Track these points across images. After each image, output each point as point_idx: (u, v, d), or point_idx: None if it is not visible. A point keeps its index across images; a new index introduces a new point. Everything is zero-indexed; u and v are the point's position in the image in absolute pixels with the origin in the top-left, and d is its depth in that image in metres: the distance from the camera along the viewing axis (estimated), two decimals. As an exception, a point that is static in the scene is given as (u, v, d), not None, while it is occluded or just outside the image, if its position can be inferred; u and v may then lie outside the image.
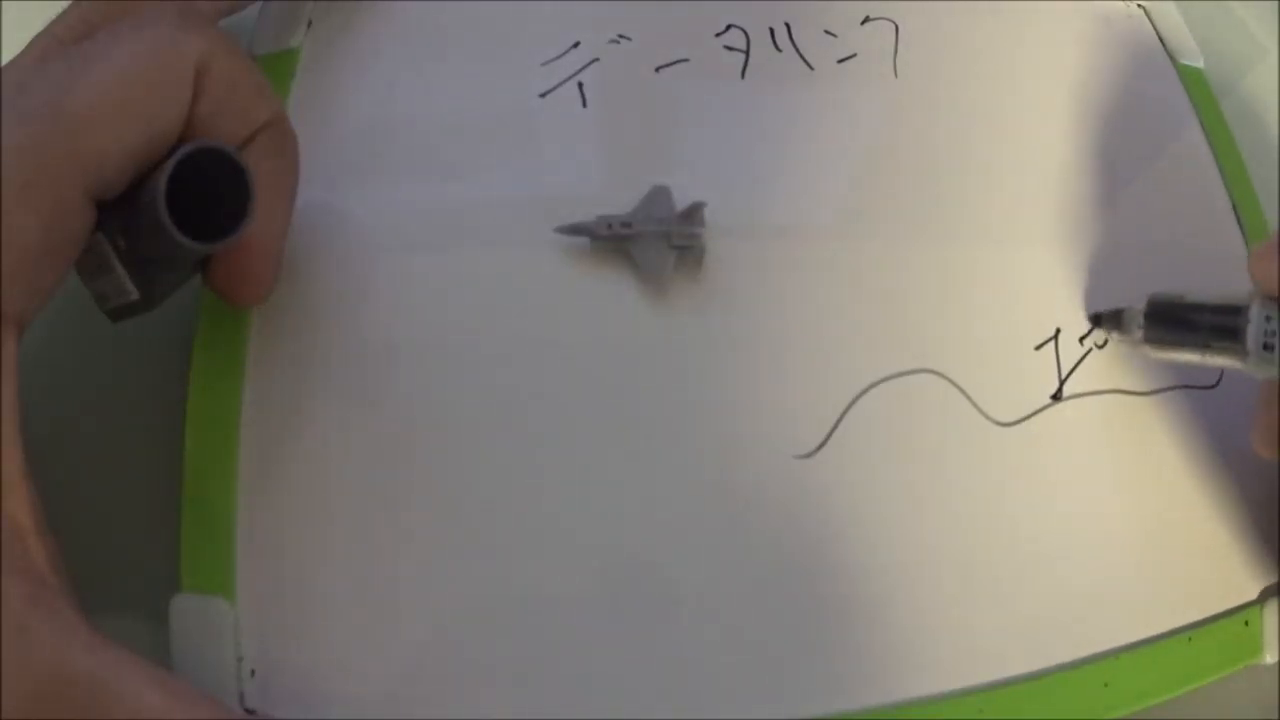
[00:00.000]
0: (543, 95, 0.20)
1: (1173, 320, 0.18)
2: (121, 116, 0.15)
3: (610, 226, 0.19)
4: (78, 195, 0.15)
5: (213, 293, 0.18)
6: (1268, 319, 0.16)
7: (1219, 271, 0.22)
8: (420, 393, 0.18)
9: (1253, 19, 0.28)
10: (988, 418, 0.19)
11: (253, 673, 0.17)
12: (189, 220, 0.15)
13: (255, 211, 0.16)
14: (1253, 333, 0.16)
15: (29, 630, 0.14)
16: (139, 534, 0.19)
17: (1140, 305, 0.18)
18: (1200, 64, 0.24)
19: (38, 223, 0.14)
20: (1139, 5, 0.25)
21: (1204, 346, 0.17)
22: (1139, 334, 0.18)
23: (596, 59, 0.21)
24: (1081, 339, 0.20)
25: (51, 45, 0.17)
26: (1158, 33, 0.24)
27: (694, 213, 0.19)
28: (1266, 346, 0.16)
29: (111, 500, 0.20)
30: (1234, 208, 0.23)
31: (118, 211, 0.16)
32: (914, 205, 0.20)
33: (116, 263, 0.16)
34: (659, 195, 0.19)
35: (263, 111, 0.17)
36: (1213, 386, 0.21)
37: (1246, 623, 0.20)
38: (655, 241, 0.19)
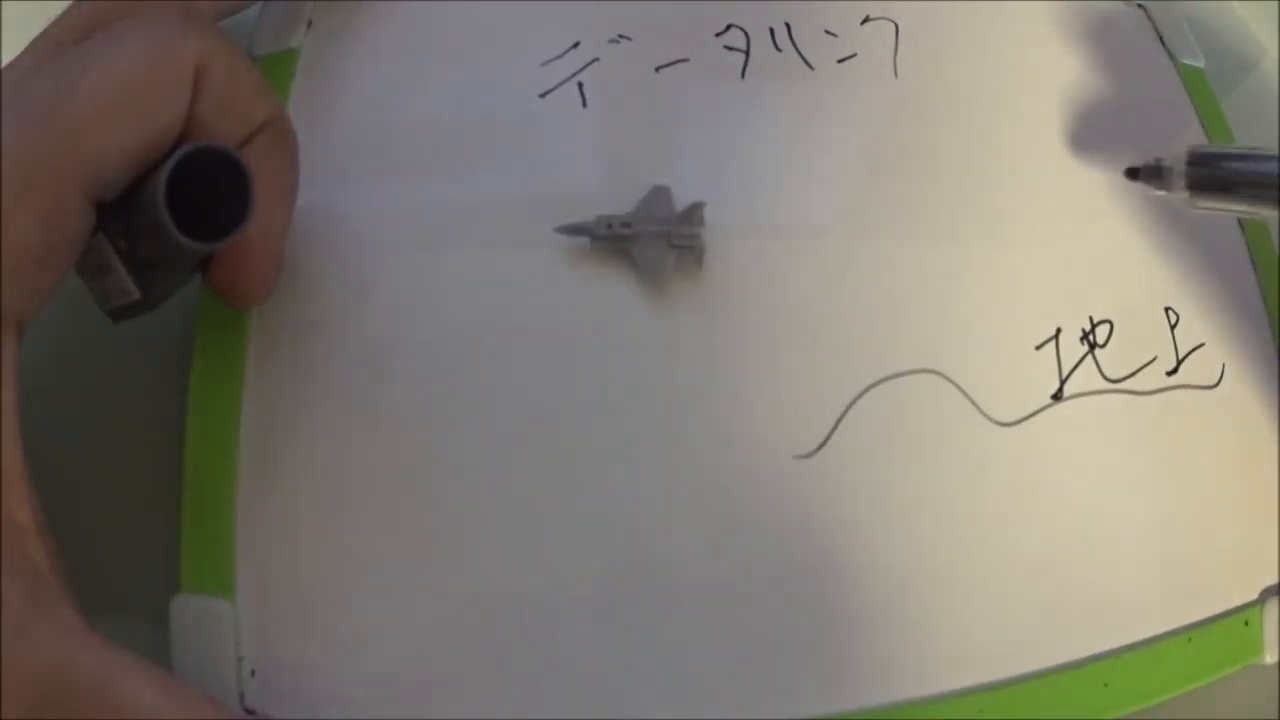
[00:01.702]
0: (543, 95, 0.20)
1: (1217, 170, 0.17)
2: (121, 117, 0.15)
3: (610, 226, 0.19)
4: (77, 196, 0.15)
5: (213, 294, 0.18)
6: None
7: (1219, 269, 0.22)
8: (420, 392, 0.18)
9: (1253, 19, 0.28)
10: (988, 418, 0.19)
11: (253, 673, 0.17)
12: (189, 220, 0.15)
13: (255, 211, 0.16)
14: None
15: (29, 630, 0.14)
16: (139, 534, 0.19)
17: (1181, 156, 0.18)
18: (1201, 63, 0.24)
19: (38, 223, 0.15)
20: (1139, 4, 0.25)
21: (1253, 197, 0.17)
22: (1181, 185, 0.18)
23: (596, 59, 0.20)
24: (1081, 339, 0.20)
25: (51, 47, 0.17)
26: (1158, 32, 0.24)
27: (694, 213, 0.19)
28: None
29: (111, 500, 0.20)
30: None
31: (118, 212, 0.16)
32: (914, 205, 0.20)
33: (117, 263, 0.16)
34: (659, 195, 0.19)
35: (262, 111, 0.17)
36: (1213, 386, 0.21)
37: (1246, 623, 0.20)
38: (655, 241, 0.19)
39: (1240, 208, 0.18)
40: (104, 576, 0.18)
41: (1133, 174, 0.19)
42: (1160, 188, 0.19)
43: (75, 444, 0.20)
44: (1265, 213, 0.17)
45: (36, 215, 0.14)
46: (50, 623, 0.14)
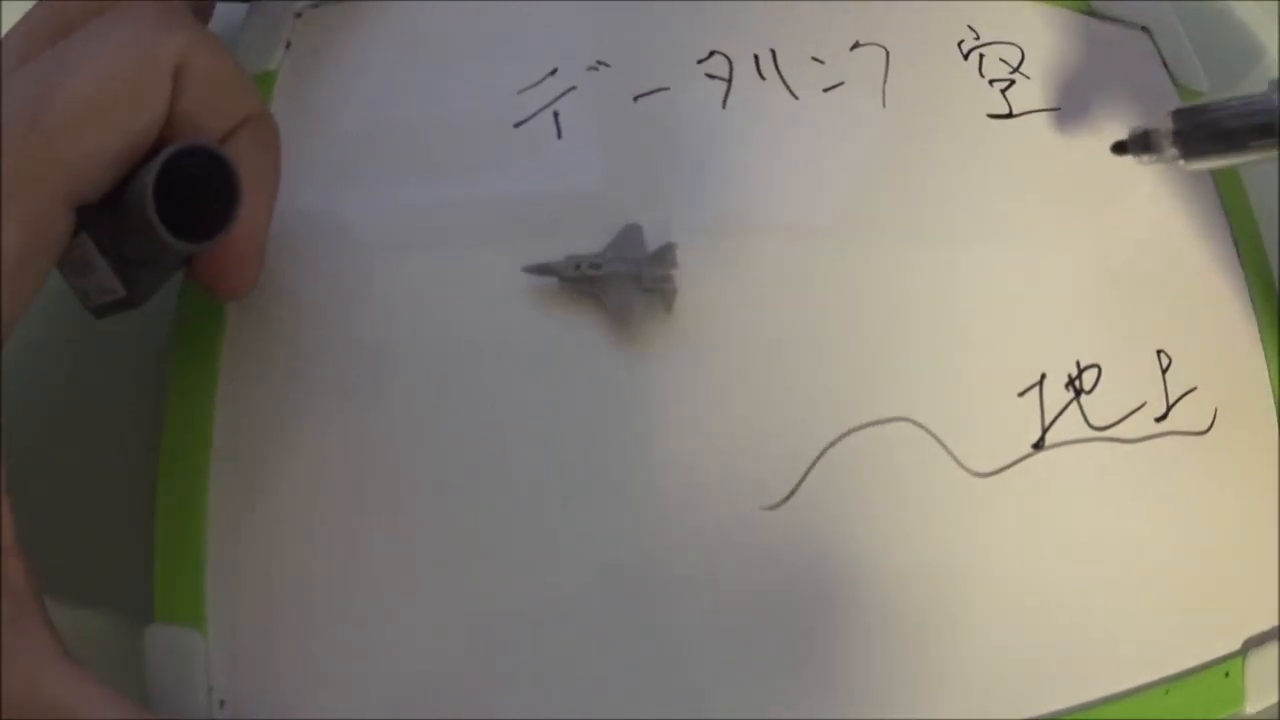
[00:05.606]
0: (517, 125, 0.20)
1: (1206, 130, 0.17)
2: (101, 121, 0.15)
3: (579, 267, 0.18)
4: (59, 203, 0.15)
5: (197, 285, 0.18)
6: None
7: (1215, 309, 0.21)
8: (394, 421, 0.18)
9: (1253, 19, 0.27)
10: (964, 468, 0.19)
11: (221, 703, 0.17)
12: (173, 216, 0.15)
13: (241, 209, 0.16)
14: None
15: (7, 651, 0.14)
16: (121, 537, 0.19)
17: (1167, 123, 0.18)
18: (1204, 88, 0.23)
19: (20, 232, 0.14)
20: (1142, 28, 0.24)
21: (1243, 148, 0.17)
22: (1172, 152, 0.18)
23: (573, 87, 0.20)
24: (1067, 385, 0.20)
25: (28, 46, 0.16)
26: (1161, 56, 0.23)
27: (665, 253, 0.18)
28: None
29: (96, 504, 0.20)
30: (1230, 228, 0.22)
31: (102, 211, 0.16)
32: (896, 248, 0.20)
33: (102, 261, 0.16)
34: (630, 235, 0.19)
35: (243, 106, 0.17)
36: (1204, 432, 0.20)
37: (1227, 674, 0.19)
38: (624, 283, 0.18)
39: (1236, 156, 0.17)
40: (86, 581, 0.18)
41: (1120, 148, 0.19)
42: (1151, 155, 0.18)
43: (58, 449, 0.20)
44: (1263, 155, 0.17)
45: (19, 223, 0.14)
46: (27, 644, 0.14)
